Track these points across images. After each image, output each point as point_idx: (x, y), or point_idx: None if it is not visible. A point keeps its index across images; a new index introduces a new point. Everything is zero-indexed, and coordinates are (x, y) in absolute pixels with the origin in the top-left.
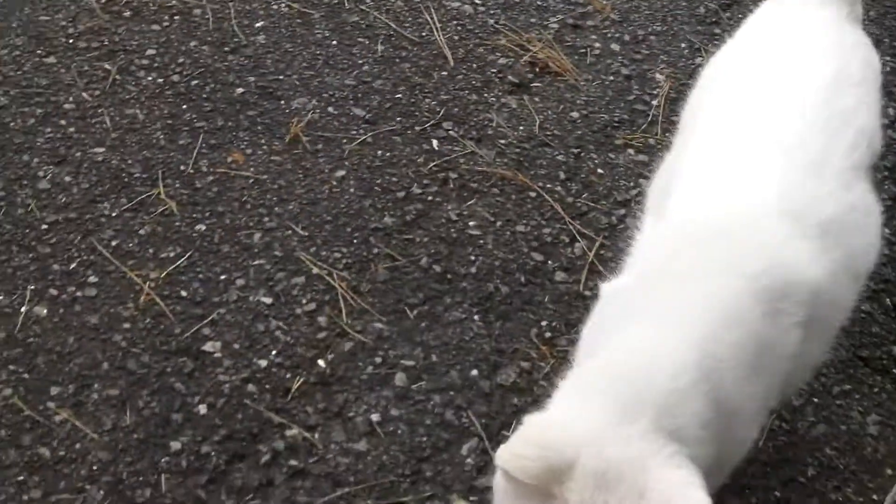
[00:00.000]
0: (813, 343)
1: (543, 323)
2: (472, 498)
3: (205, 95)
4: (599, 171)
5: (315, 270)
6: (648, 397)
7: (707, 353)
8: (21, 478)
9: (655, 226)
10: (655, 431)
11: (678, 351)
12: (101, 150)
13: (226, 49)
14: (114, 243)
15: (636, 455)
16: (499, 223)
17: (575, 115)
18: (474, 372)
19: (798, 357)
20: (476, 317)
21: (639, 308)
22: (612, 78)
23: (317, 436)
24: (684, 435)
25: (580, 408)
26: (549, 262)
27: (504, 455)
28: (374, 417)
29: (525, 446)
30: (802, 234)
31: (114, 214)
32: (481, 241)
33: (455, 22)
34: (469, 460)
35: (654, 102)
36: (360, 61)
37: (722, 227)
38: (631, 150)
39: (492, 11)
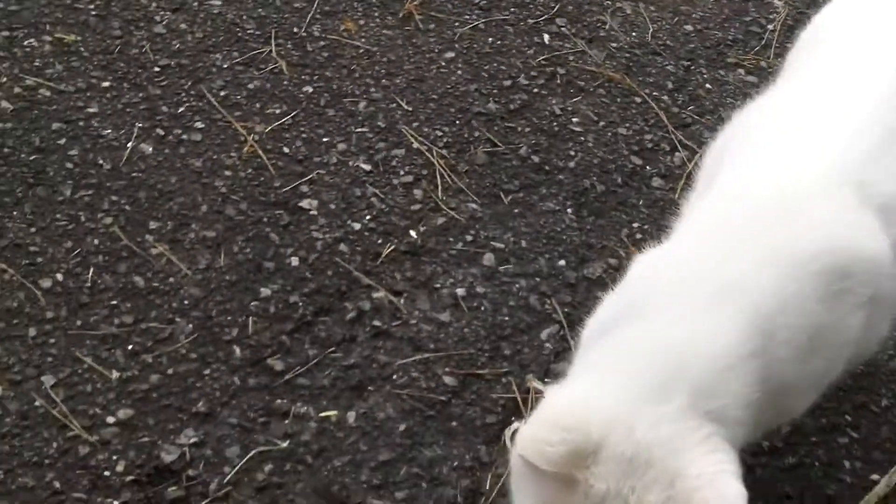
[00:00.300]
0: (877, 321)
1: (635, 224)
2: (546, 380)
3: None
4: (708, 86)
5: (416, 145)
6: (687, 375)
7: (759, 332)
8: (114, 302)
9: (706, 194)
10: (691, 411)
11: (726, 328)
12: (218, 2)
13: None
14: (222, 93)
15: (668, 438)
16: (602, 123)
17: (689, 28)
18: (562, 262)
19: (861, 339)
20: (569, 210)
21: (683, 279)
22: None
23: (402, 301)
24: (723, 416)
25: (609, 384)
26: (648, 167)
27: (524, 440)
28: (460, 292)
29: (547, 429)
30: (867, 208)
31: (225, 66)
32: (582, 139)
33: None
34: (548, 345)
35: (770, 27)
36: None
37: (782, 198)
38: (741, 71)
39: None
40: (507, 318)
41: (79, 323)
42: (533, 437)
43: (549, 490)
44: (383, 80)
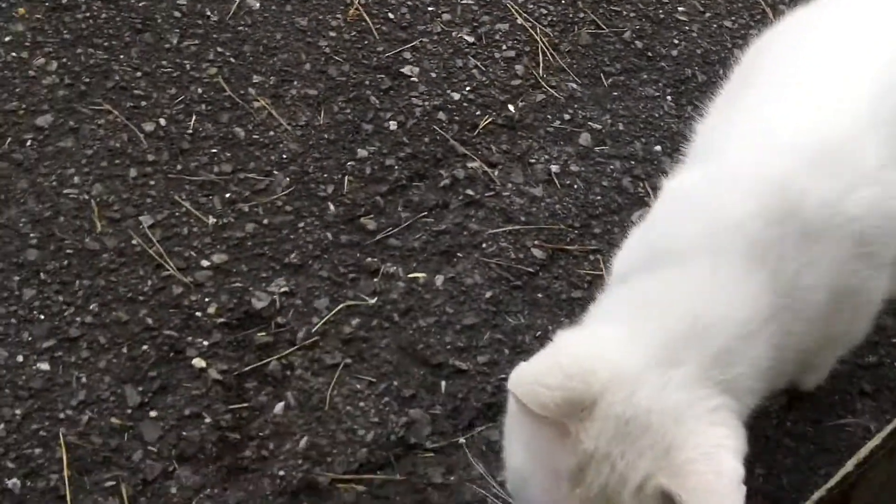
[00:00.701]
0: None
1: None
2: None
3: None
4: None
5: (520, 21)
6: (703, 338)
7: (781, 292)
8: (214, 150)
9: (739, 115)
10: (702, 379)
11: (749, 288)
12: None
13: None
14: None
15: (672, 405)
16: (707, 14)
17: None
18: (658, 147)
19: (881, 300)
20: (669, 97)
21: (706, 227)
22: None
23: (496, 173)
24: (735, 386)
25: (620, 337)
26: None
27: (520, 379)
28: (554, 168)
29: (548, 371)
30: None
31: None
32: (687, 28)
33: None
34: None
35: None
36: None
37: (816, 149)
38: None
39: None
40: (598, 198)
41: (179, 168)
42: (531, 377)
43: (539, 436)
44: None
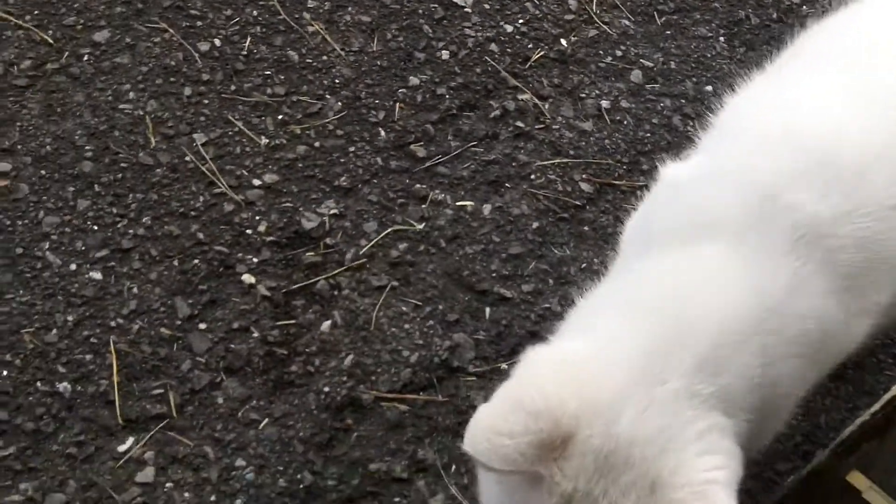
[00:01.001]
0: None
1: None
2: None
3: None
4: None
5: None
6: (687, 344)
7: (771, 311)
8: (268, 72)
9: (740, 108)
10: (687, 397)
11: (739, 287)
12: None
13: None
14: None
15: (656, 431)
16: None
17: None
18: (709, 87)
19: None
20: (721, 38)
21: (700, 216)
22: None
23: (546, 106)
24: (727, 399)
25: (592, 350)
26: (805, 6)
27: (476, 434)
28: (604, 104)
29: (507, 418)
30: None
31: None
32: None
33: None
34: None
35: None
36: None
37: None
38: None
39: None
40: (648, 135)
41: (232, 88)
42: (488, 428)
43: (511, 489)
44: None
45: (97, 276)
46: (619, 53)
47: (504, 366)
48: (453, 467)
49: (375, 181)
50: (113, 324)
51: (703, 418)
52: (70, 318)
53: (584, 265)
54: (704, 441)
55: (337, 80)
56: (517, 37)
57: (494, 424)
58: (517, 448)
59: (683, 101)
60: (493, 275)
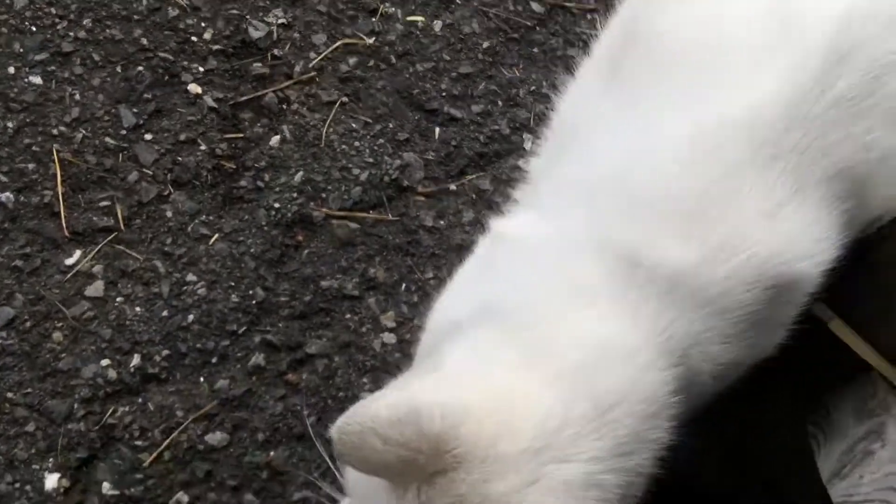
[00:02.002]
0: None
1: None
2: None
3: None
4: None
5: None
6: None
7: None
8: None
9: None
10: (586, 487)
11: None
12: None
13: None
14: None
15: None
16: None
17: None
18: None
19: None
20: None
21: (568, 286)
22: None
23: None
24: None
25: (507, 400)
26: None
27: (348, 425)
28: None
29: (396, 422)
30: None
31: None
32: None
33: None
34: None
35: None
36: None
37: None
38: None
39: None
40: None
41: None
42: (366, 424)
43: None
44: None
45: (37, 80)
46: None
47: (452, 186)
48: (403, 286)
49: None
50: (55, 132)
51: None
52: (10, 124)
53: (532, 88)
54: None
55: None
56: None
57: (377, 424)
58: (384, 458)
59: None
60: (443, 94)
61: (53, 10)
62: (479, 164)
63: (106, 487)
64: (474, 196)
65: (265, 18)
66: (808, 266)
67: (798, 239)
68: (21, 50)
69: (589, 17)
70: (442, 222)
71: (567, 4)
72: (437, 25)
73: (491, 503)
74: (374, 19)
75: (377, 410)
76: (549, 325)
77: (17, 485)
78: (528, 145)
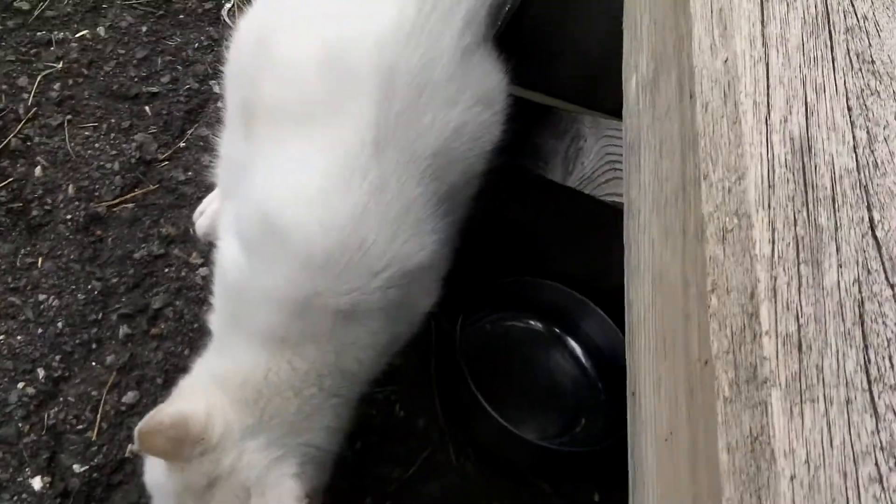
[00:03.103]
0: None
1: None
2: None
3: None
4: None
5: None
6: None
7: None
8: None
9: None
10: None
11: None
12: None
13: None
14: None
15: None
16: None
17: None
18: None
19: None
20: None
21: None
22: None
23: None
24: (307, 454)
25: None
26: None
27: (145, 421)
28: None
29: (170, 418)
30: None
31: None
32: None
33: None
34: None
35: None
36: None
37: None
38: None
39: None
40: None
41: None
42: (152, 420)
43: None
44: None
45: None
46: None
47: (182, 144)
48: (191, 231)
49: (4, 44)
50: None
51: (281, 460)
52: None
53: (196, 45)
54: (278, 469)
55: None
56: None
57: (161, 428)
58: (164, 448)
59: None
60: (136, 80)
61: None
62: (191, 118)
63: (76, 468)
64: (201, 143)
65: None
66: None
67: None
68: None
69: None
70: (190, 173)
71: None
72: (101, 31)
73: (222, 470)
74: (52, 48)
75: (161, 418)
76: (229, 350)
77: (14, 498)
78: (217, 88)
